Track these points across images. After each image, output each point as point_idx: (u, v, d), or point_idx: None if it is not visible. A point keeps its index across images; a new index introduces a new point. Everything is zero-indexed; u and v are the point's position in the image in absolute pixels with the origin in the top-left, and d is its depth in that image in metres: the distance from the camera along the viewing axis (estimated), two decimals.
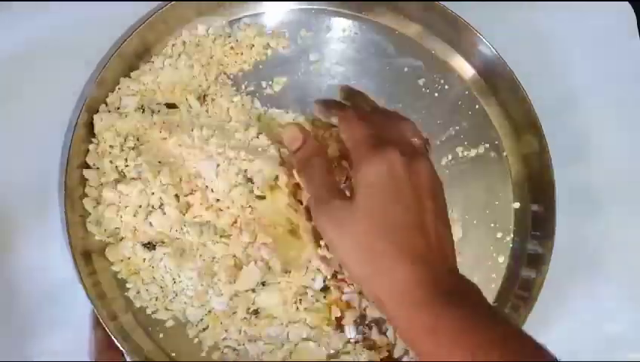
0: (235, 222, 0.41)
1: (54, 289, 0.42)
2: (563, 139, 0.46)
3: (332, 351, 0.42)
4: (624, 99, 0.50)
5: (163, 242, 0.41)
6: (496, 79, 0.46)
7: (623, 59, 0.51)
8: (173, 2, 0.43)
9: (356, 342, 0.42)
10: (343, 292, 0.42)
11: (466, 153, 0.47)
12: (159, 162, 0.42)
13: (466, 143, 0.47)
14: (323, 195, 0.36)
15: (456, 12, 0.45)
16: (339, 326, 0.42)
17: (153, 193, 0.41)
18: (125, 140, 0.42)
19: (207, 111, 0.44)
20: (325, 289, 0.42)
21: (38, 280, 0.42)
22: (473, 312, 0.32)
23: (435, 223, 0.34)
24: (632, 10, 0.51)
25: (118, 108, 0.43)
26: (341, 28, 0.47)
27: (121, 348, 0.38)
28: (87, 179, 0.41)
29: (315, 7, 0.47)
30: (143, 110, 0.43)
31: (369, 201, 0.34)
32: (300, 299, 0.42)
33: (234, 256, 0.41)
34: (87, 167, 0.42)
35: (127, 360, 0.39)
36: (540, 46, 0.50)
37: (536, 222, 0.45)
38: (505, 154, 0.47)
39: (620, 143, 0.49)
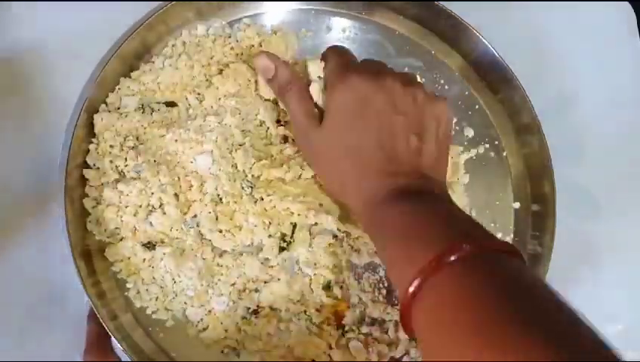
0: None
1: (54, 289, 0.42)
2: (563, 139, 0.46)
3: (332, 350, 0.42)
4: (624, 99, 0.50)
5: (163, 242, 0.41)
6: (496, 79, 0.46)
7: (623, 59, 0.51)
8: (173, 2, 0.43)
9: (357, 341, 0.42)
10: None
11: (465, 153, 0.47)
12: (155, 161, 0.41)
13: (465, 143, 0.47)
14: (301, 121, 0.39)
15: (456, 12, 0.45)
16: (339, 325, 0.42)
17: (153, 193, 0.41)
18: (125, 140, 0.42)
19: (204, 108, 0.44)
20: (328, 288, 0.42)
21: (38, 280, 0.42)
22: (425, 208, 0.33)
23: (402, 137, 0.36)
24: (632, 10, 0.51)
25: (119, 108, 0.43)
26: (341, 28, 0.47)
27: (121, 348, 0.38)
28: (87, 179, 0.41)
29: (315, 7, 0.47)
30: (143, 110, 0.43)
31: (333, 125, 0.37)
32: (303, 295, 0.42)
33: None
34: (87, 166, 0.41)
35: (124, 359, 0.40)
36: (539, 46, 0.50)
37: (536, 222, 0.45)
38: (505, 154, 0.47)
39: (619, 143, 0.49)
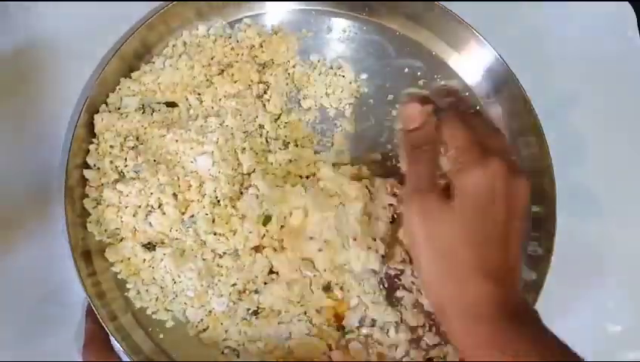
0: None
1: (54, 289, 0.41)
2: (563, 140, 0.46)
3: (332, 351, 0.42)
4: (624, 99, 0.50)
5: (163, 243, 0.41)
6: (497, 79, 0.46)
7: (623, 59, 0.51)
8: (174, 2, 0.43)
9: (357, 342, 0.42)
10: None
11: None
12: (155, 160, 0.42)
13: None
14: (423, 185, 0.35)
15: (456, 12, 0.45)
16: (340, 326, 0.42)
17: (152, 193, 0.41)
18: (125, 140, 0.42)
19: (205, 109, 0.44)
20: (327, 289, 0.42)
21: (38, 280, 0.41)
22: (531, 335, 0.32)
23: (517, 245, 0.34)
24: (632, 10, 0.51)
25: (119, 109, 0.43)
26: (341, 28, 0.47)
27: (120, 348, 0.38)
28: (87, 180, 0.41)
29: (315, 7, 0.47)
30: (144, 110, 0.43)
31: (466, 209, 0.34)
32: (303, 296, 0.42)
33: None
34: (88, 167, 0.41)
35: (125, 359, 0.39)
36: (539, 46, 0.50)
37: (536, 223, 0.45)
38: None
39: (619, 143, 0.49)
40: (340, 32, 0.47)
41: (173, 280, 0.41)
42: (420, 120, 0.37)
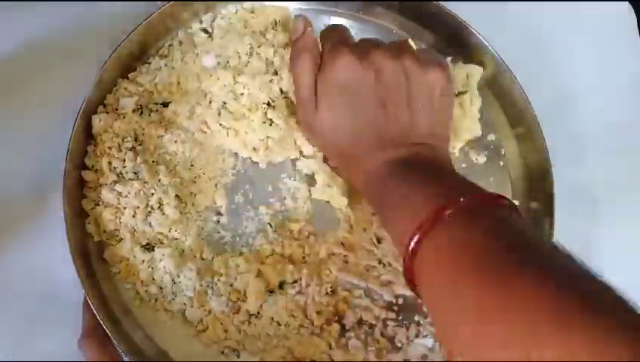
0: None
1: (54, 289, 0.41)
2: (562, 139, 0.46)
3: (333, 350, 0.42)
4: (624, 99, 0.50)
5: (162, 243, 0.41)
6: (496, 79, 0.46)
7: (623, 59, 0.51)
8: (171, 2, 0.43)
9: (357, 340, 0.42)
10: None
11: (464, 152, 0.46)
12: (154, 161, 0.42)
13: (464, 142, 0.46)
14: (303, 94, 0.39)
15: (455, 12, 0.45)
16: (340, 325, 0.42)
17: (152, 193, 0.41)
18: (123, 141, 0.42)
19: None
20: (332, 293, 0.42)
21: (38, 280, 0.41)
22: (421, 173, 0.35)
23: (391, 112, 0.37)
24: (632, 11, 0.51)
25: (116, 110, 0.43)
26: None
27: (119, 349, 0.39)
28: (86, 181, 0.41)
29: (315, 7, 0.47)
30: (141, 111, 0.43)
31: (326, 105, 0.38)
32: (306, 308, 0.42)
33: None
34: (86, 168, 0.41)
35: (124, 360, 0.40)
36: (538, 46, 0.50)
37: (534, 222, 0.45)
38: (504, 153, 0.47)
39: (619, 143, 0.49)
40: None
41: (172, 280, 0.41)
42: (302, 28, 0.41)
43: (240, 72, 0.43)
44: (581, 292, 0.25)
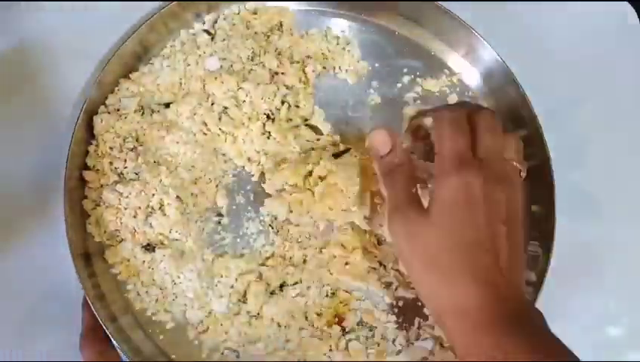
0: None
1: (54, 289, 0.41)
2: (563, 140, 0.46)
3: (333, 351, 0.42)
4: (624, 100, 0.50)
5: (162, 244, 0.41)
6: (496, 80, 0.46)
7: (623, 59, 0.50)
8: (173, 3, 0.43)
9: (357, 341, 0.42)
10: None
11: None
12: (155, 162, 0.42)
13: None
14: (401, 204, 0.37)
15: (456, 13, 0.45)
16: (341, 327, 0.42)
17: (153, 194, 0.41)
18: (125, 141, 0.42)
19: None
20: (333, 295, 0.42)
21: (37, 279, 0.41)
22: (534, 340, 0.32)
23: (505, 247, 0.34)
24: (633, 11, 0.51)
25: (118, 110, 0.43)
26: (340, 29, 0.47)
27: (120, 350, 0.38)
28: (86, 181, 0.41)
29: (314, 8, 0.47)
30: (143, 111, 0.43)
31: (442, 217, 0.35)
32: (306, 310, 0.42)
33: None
34: (87, 168, 0.41)
35: (124, 360, 0.39)
36: (539, 46, 0.50)
37: (535, 223, 0.45)
38: None
39: (620, 145, 0.49)
40: (340, 32, 0.47)
41: (172, 281, 0.41)
42: (390, 143, 0.39)
43: (244, 78, 0.43)
44: None
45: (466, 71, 0.47)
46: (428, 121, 0.38)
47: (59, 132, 0.43)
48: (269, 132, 0.43)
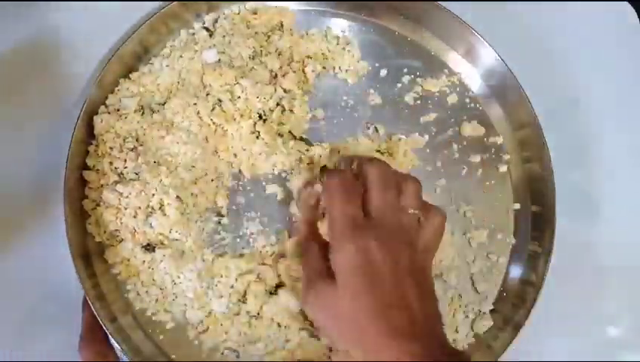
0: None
1: (54, 289, 0.41)
2: (563, 140, 0.46)
3: (333, 352, 0.42)
4: (625, 99, 0.50)
5: (162, 244, 0.41)
6: (496, 80, 0.46)
7: (624, 59, 0.51)
8: (173, 3, 0.43)
9: None
10: None
11: (465, 154, 0.47)
12: (155, 162, 0.41)
13: (465, 144, 0.47)
14: (311, 278, 0.37)
15: (456, 13, 0.45)
16: None
17: (153, 194, 0.41)
18: (125, 141, 0.42)
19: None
20: None
21: (37, 279, 0.41)
22: None
23: (418, 299, 0.34)
24: (633, 10, 0.51)
25: (118, 110, 0.42)
26: (340, 29, 0.47)
27: (120, 350, 0.38)
28: (87, 181, 0.41)
29: (314, 8, 0.47)
30: (143, 111, 0.43)
31: (346, 286, 0.35)
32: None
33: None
34: (87, 168, 0.41)
35: (124, 360, 0.40)
36: (539, 46, 0.50)
37: (536, 223, 0.45)
38: (506, 155, 0.47)
39: (620, 144, 0.49)
40: (339, 32, 0.47)
41: (172, 281, 0.41)
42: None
43: (243, 74, 0.43)
44: None
45: (466, 71, 0.47)
46: (318, 189, 0.39)
47: (59, 132, 0.43)
48: (259, 132, 0.43)
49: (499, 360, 0.40)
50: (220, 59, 0.44)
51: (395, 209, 0.36)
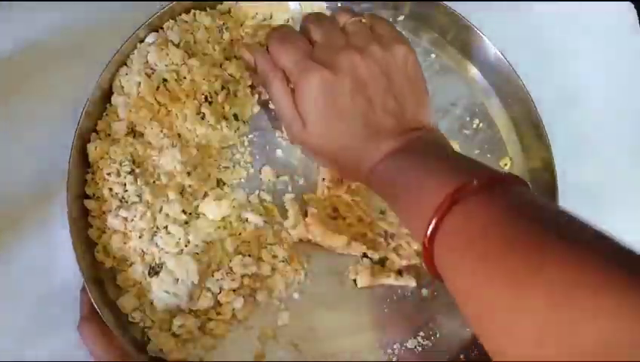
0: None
1: (57, 289, 0.42)
2: (565, 138, 0.46)
3: None
4: (626, 98, 0.49)
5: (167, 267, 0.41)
6: (498, 79, 0.45)
7: (624, 58, 0.49)
8: (173, 3, 0.42)
9: None
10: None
11: (465, 151, 0.46)
12: (154, 181, 0.41)
13: (465, 140, 0.46)
14: (288, 117, 0.39)
15: (457, 10, 0.44)
16: None
17: (159, 212, 0.41)
18: (121, 165, 0.41)
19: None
20: None
21: (40, 280, 0.42)
22: (426, 158, 0.35)
23: (379, 106, 0.37)
24: (634, 9, 0.49)
25: (109, 135, 0.41)
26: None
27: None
28: (89, 210, 0.41)
29: (314, 8, 0.46)
30: (134, 134, 0.42)
31: (313, 122, 0.38)
32: None
33: None
34: (87, 196, 0.41)
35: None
36: (540, 45, 0.49)
37: None
38: (507, 152, 0.46)
39: (622, 142, 0.49)
40: None
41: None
42: (251, 57, 0.42)
43: (194, 54, 0.43)
44: (618, 261, 0.24)
45: (468, 70, 0.46)
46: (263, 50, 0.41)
47: (59, 132, 0.43)
48: (204, 113, 0.43)
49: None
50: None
51: (339, 31, 0.39)
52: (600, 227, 0.27)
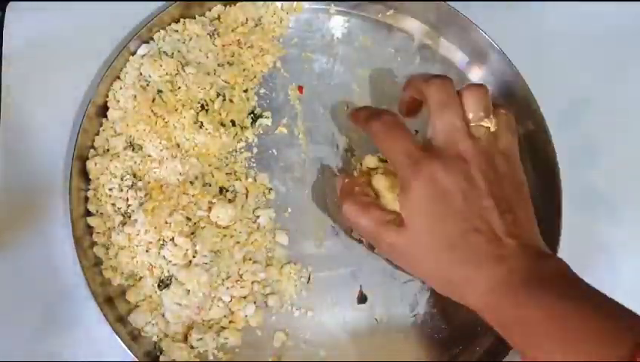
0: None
1: (62, 290, 0.42)
2: (576, 141, 0.46)
3: None
4: (632, 99, 0.49)
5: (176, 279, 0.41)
6: (503, 80, 0.45)
7: (631, 59, 0.49)
8: (173, 4, 0.42)
9: None
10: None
11: None
12: (157, 194, 0.41)
13: None
14: (375, 234, 0.36)
15: (462, 12, 0.44)
16: None
17: (163, 226, 0.40)
18: (122, 180, 0.41)
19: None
20: None
21: (46, 281, 0.42)
22: (560, 298, 0.31)
23: (498, 214, 0.33)
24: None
25: (108, 150, 0.41)
26: (341, 27, 0.46)
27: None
28: (92, 227, 0.41)
29: (314, 7, 0.46)
30: (133, 147, 0.41)
31: (417, 224, 0.34)
32: None
33: None
34: (90, 214, 0.41)
35: None
36: (548, 48, 0.49)
37: (542, 224, 0.45)
38: None
39: (628, 144, 0.48)
40: (340, 31, 0.46)
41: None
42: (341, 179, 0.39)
43: (187, 63, 0.43)
44: None
45: (473, 70, 0.46)
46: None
47: (58, 132, 0.43)
48: (202, 122, 0.42)
49: (504, 360, 0.41)
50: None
51: (456, 129, 0.35)
52: None
